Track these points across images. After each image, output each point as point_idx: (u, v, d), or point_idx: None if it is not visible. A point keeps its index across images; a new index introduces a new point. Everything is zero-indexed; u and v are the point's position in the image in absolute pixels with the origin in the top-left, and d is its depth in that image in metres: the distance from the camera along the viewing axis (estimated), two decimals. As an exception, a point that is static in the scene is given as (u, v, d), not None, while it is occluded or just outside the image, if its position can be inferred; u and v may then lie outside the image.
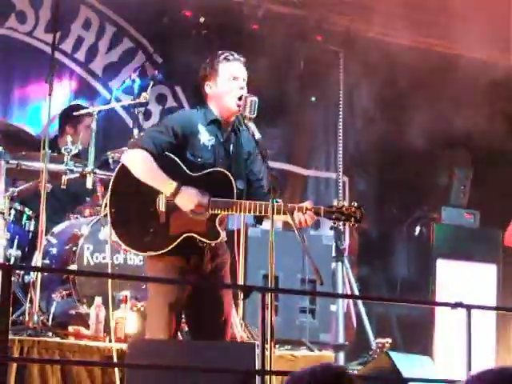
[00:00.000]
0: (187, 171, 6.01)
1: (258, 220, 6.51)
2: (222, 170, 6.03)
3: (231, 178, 6.00)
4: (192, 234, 5.88)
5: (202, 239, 5.89)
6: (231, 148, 6.19)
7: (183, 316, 6.27)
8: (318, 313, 8.38)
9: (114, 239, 6.39)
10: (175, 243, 5.90)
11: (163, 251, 5.92)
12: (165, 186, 5.91)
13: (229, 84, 6.04)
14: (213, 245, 5.95)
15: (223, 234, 5.98)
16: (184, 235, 5.88)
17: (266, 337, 5.37)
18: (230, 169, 6.11)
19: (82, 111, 8.13)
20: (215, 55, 6.20)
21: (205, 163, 6.05)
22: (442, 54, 10.60)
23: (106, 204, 6.34)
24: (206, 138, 6.10)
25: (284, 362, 6.85)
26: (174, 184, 5.88)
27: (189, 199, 5.87)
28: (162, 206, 5.94)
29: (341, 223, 6.23)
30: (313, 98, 10.61)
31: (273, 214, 5.76)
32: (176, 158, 6.04)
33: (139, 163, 6.05)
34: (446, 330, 8.96)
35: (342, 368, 4.69)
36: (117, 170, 6.29)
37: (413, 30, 10.43)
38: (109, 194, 6.26)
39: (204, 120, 6.13)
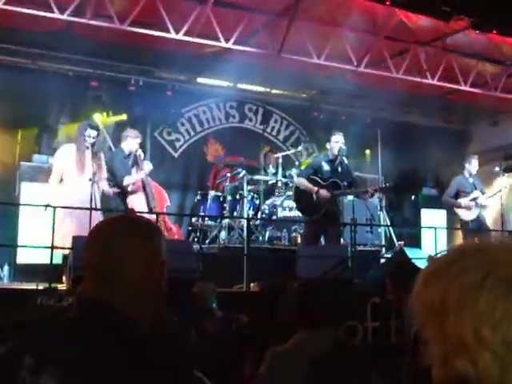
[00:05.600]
0: (321, 182, 6.03)
1: (355, 195, 6.35)
2: (336, 180, 5.99)
3: (339, 182, 5.99)
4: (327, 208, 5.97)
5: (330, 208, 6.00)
6: (339, 169, 6.07)
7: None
8: (374, 231, 7.94)
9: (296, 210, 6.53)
10: (322, 212, 5.94)
11: (316, 216, 5.98)
12: (311, 190, 5.99)
13: (332, 145, 6.09)
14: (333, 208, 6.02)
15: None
16: (324, 209, 5.94)
17: (352, 242, 5.98)
18: (343, 178, 6.03)
19: (280, 154, 7.95)
20: (331, 133, 6.20)
21: (329, 177, 6.02)
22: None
23: (293, 200, 6.52)
24: (326, 167, 6.08)
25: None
26: (315, 189, 5.95)
27: (323, 196, 5.90)
28: (315, 198, 5.96)
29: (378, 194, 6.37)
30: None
31: (351, 193, 6.17)
32: (316, 178, 6.05)
33: (300, 183, 6.18)
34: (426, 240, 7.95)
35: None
36: (295, 186, 6.43)
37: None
38: (293, 196, 6.43)
39: (326, 159, 6.12)
